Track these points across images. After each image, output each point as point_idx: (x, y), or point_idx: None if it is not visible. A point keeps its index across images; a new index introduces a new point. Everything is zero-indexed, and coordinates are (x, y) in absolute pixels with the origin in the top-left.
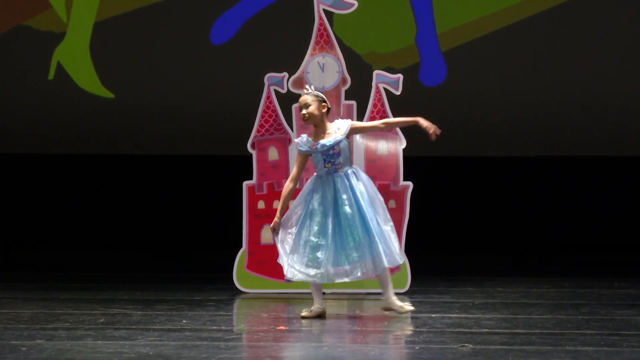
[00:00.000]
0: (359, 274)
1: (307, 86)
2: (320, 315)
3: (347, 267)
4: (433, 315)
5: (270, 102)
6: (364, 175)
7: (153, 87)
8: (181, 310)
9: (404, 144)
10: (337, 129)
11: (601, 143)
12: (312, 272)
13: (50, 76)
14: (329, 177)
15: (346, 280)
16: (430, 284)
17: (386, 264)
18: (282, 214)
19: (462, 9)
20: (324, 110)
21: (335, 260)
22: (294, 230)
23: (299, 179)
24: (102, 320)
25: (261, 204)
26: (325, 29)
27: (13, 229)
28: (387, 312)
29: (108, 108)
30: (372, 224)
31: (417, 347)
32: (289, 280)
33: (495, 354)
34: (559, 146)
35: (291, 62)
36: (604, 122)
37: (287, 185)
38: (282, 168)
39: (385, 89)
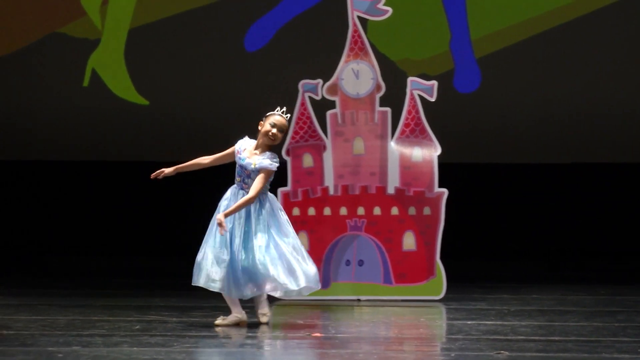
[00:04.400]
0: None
1: (284, 109)
2: (239, 324)
3: (246, 283)
4: (469, 322)
5: (305, 109)
6: (274, 203)
7: (187, 93)
8: (217, 317)
9: (439, 151)
10: (260, 159)
11: (636, 149)
12: (216, 283)
13: (85, 83)
14: (238, 189)
15: (245, 296)
16: (465, 291)
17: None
18: (177, 170)
19: (497, 15)
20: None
21: (234, 275)
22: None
23: (213, 162)
24: (137, 327)
25: (296, 211)
26: (359, 36)
27: (49, 236)
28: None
29: (142, 114)
30: (271, 247)
31: (452, 354)
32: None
33: None
34: (594, 153)
35: (325, 69)
36: None
37: (203, 158)
38: (316, 175)
39: (419, 96)
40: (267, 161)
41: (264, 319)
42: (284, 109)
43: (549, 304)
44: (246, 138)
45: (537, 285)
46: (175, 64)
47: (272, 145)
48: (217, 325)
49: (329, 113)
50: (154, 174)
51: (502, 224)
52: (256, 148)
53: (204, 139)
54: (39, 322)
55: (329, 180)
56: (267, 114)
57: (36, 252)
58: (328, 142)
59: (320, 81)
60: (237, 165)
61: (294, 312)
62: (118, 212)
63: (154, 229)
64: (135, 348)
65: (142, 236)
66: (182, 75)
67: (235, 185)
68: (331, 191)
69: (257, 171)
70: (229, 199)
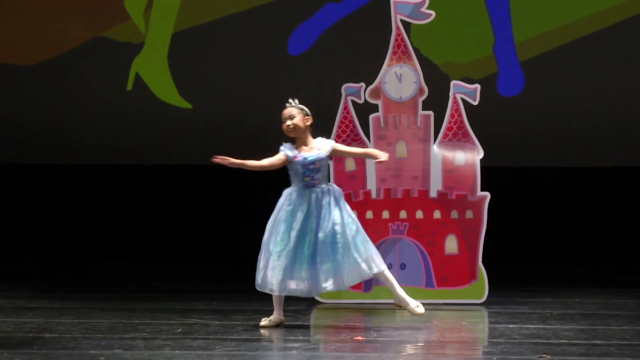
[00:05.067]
0: (327, 287)
1: (290, 100)
2: (279, 325)
3: (309, 281)
4: (510, 326)
5: (348, 113)
6: (337, 191)
7: (230, 97)
8: (258, 321)
9: (481, 155)
10: (320, 146)
11: None
12: (274, 283)
13: (129, 87)
14: (306, 190)
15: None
16: (507, 294)
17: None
18: (239, 164)
19: (540, 19)
20: (308, 123)
21: (296, 274)
22: (266, 239)
23: (270, 166)
24: (179, 330)
25: None
26: (402, 39)
27: (90, 239)
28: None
29: (186, 118)
30: (341, 244)
31: (494, 358)
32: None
33: None
34: (636, 156)
35: (368, 72)
36: None
37: (262, 161)
38: (359, 179)
39: (462, 99)
40: (329, 140)
41: (419, 310)
42: (289, 100)
43: (591, 308)
44: (285, 144)
45: (579, 289)
46: (218, 68)
47: (299, 137)
48: (263, 327)
49: (371, 117)
50: (217, 158)
51: (544, 227)
52: (300, 145)
53: (247, 142)
54: (82, 325)
55: (372, 184)
56: None
57: (79, 256)
58: (370, 145)
59: (362, 85)
60: (298, 168)
61: (335, 316)
62: (160, 216)
63: (194, 233)
64: (177, 351)
65: (183, 240)
66: (225, 79)
67: (297, 188)
68: (373, 195)
69: (327, 155)
70: (292, 202)
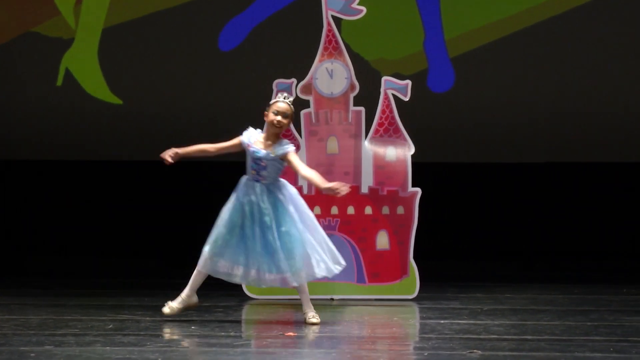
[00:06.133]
0: (272, 281)
1: (285, 94)
2: (190, 307)
3: (259, 272)
4: (442, 321)
5: None
6: (290, 189)
7: (161, 93)
8: (189, 317)
9: (412, 150)
10: (276, 147)
11: (609, 149)
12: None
13: (59, 82)
14: (252, 182)
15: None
16: (439, 290)
17: (299, 280)
18: (184, 153)
19: (470, 15)
20: (289, 125)
21: (228, 256)
22: (218, 223)
23: (218, 151)
24: (110, 326)
25: None
26: (333, 35)
27: (22, 235)
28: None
29: (116, 114)
30: (293, 238)
31: (425, 354)
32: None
33: None
34: (567, 152)
35: (299, 68)
36: (613, 127)
37: (207, 145)
38: (290, 174)
39: (393, 95)
40: (289, 146)
41: (314, 320)
42: (285, 94)
43: (522, 303)
44: (251, 129)
45: (510, 285)
46: (148, 63)
47: (280, 133)
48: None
49: (303, 112)
50: (166, 153)
51: (475, 223)
52: (267, 139)
53: (178, 137)
54: (12, 321)
55: (303, 179)
56: (270, 102)
57: (9, 252)
58: (302, 141)
59: (294, 80)
60: (249, 159)
61: (267, 311)
62: (91, 212)
63: (126, 228)
64: (108, 347)
65: (115, 236)
66: (155, 74)
67: (248, 177)
68: (305, 190)
69: (281, 159)
70: (245, 193)
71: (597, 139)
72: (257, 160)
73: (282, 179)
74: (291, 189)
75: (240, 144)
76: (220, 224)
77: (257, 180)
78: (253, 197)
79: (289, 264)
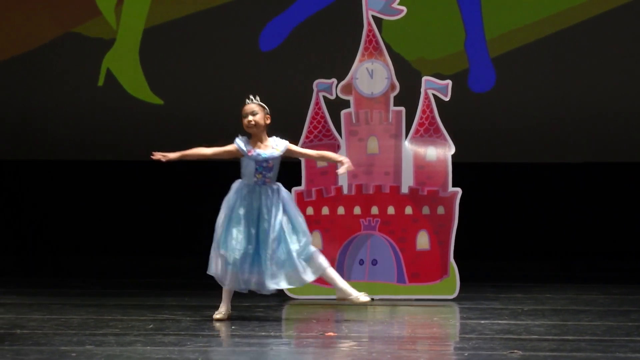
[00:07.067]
0: (273, 285)
1: (251, 96)
2: (227, 318)
3: (261, 276)
4: (482, 321)
5: (319, 109)
6: (284, 193)
7: (202, 93)
8: (229, 316)
9: (452, 150)
10: (275, 145)
11: None
12: (227, 278)
13: (100, 82)
14: (256, 187)
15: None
16: (479, 290)
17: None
18: (182, 156)
19: (512, 15)
20: (268, 121)
21: (246, 269)
22: (219, 233)
23: (213, 154)
24: (151, 326)
25: (310, 210)
26: (374, 35)
27: (63, 236)
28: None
29: (157, 114)
30: (287, 244)
31: (466, 354)
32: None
33: None
34: (607, 152)
35: (340, 68)
36: None
37: (204, 148)
38: (330, 174)
39: (434, 95)
40: (283, 140)
41: (363, 298)
42: (250, 96)
43: (562, 304)
44: (240, 138)
45: (551, 285)
46: (189, 64)
47: (257, 134)
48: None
49: (343, 112)
50: (157, 155)
51: (516, 223)
52: (257, 142)
53: (218, 138)
54: (53, 321)
55: (343, 180)
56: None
57: (50, 252)
58: (342, 141)
59: (334, 80)
60: (251, 164)
61: (307, 311)
62: (132, 212)
63: (166, 228)
64: (148, 347)
65: (155, 236)
66: (196, 74)
67: (247, 183)
68: (345, 190)
69: (281, 155)
70: (244, 198)
71: (639, 139)
72: (264, 162)
73: (278, 182)
74: (285, 193)
75: (235, 151)
76: (232, 237)
77: (263, 184)
78: (256, 203)
79: (288, 264)
